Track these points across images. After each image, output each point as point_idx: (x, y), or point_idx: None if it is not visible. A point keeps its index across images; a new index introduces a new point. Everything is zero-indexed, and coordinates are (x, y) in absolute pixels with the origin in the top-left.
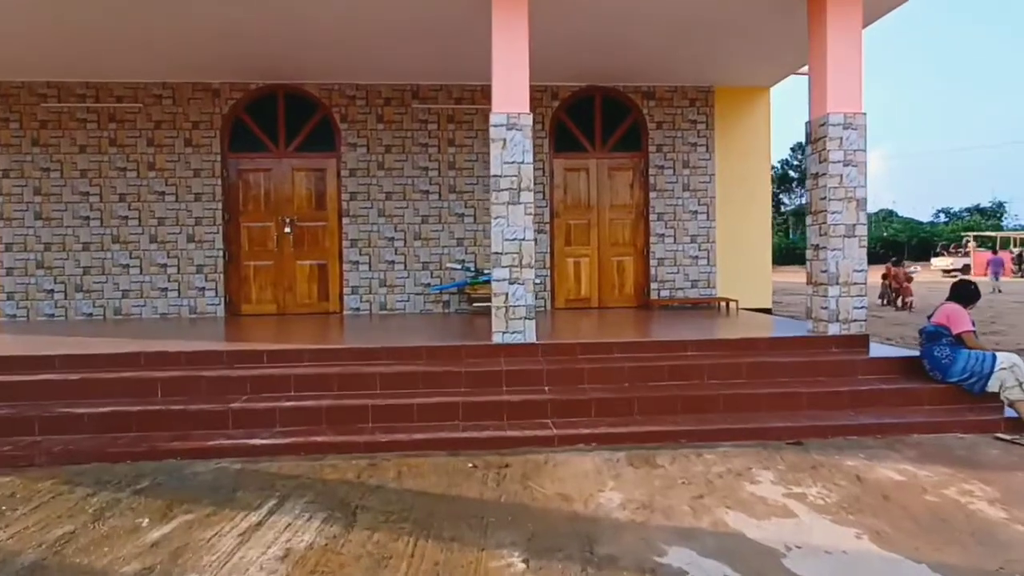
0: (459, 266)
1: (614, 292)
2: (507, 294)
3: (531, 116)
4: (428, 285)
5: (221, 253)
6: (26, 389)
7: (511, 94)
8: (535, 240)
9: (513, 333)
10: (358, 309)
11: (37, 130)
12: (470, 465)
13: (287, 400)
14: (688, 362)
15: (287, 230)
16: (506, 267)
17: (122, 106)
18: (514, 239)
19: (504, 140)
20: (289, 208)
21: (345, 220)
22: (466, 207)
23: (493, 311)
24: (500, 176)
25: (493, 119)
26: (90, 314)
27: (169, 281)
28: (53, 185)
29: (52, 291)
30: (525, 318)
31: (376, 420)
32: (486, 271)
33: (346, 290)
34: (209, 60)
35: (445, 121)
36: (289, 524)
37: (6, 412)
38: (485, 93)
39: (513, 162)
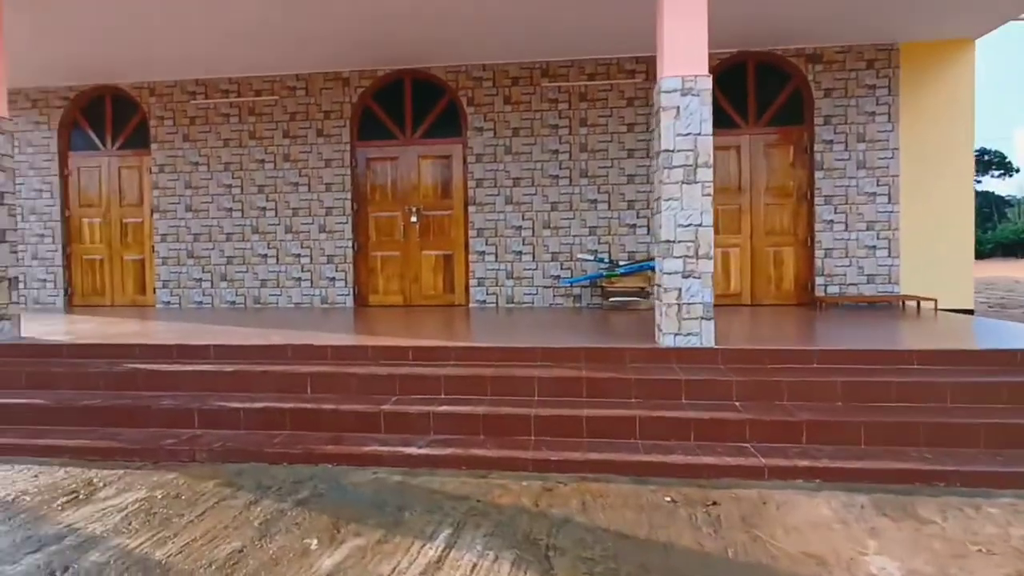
0: (591, 257)
1: (769, 287)
2: (680, 289)
3: (710, 79)
4: (558, 277)
5: (350, 243)
6: (185, 379)
7: (686, 53)
8: (713, 226)
9: (687, 335)
10: (484, 302)
11: (187, 126)
12: (667, 499)
13: (439, 404)
14: (919, 379)
15: (413, 219)
16: (679, 257)
17: (261, 99)
18: (689, 224)
19: (677, 108)
20: (415, 197)
21: (471, 208)
22: (599, 192)
23: (662, 309)
24: (672, 151)
25: (663, 84)
26: (233, 302)
27: (303, 271)
28: (201, 178)
29: (200, 280)
30: (702, 318)
31: (540, 432)
32: (622, 262)
33: (472, 282)
34: (340, 48)
35: (577, 100)
36: (475, 565)
37: (169, 403)
38: (621, 67)
39: (688, 134)
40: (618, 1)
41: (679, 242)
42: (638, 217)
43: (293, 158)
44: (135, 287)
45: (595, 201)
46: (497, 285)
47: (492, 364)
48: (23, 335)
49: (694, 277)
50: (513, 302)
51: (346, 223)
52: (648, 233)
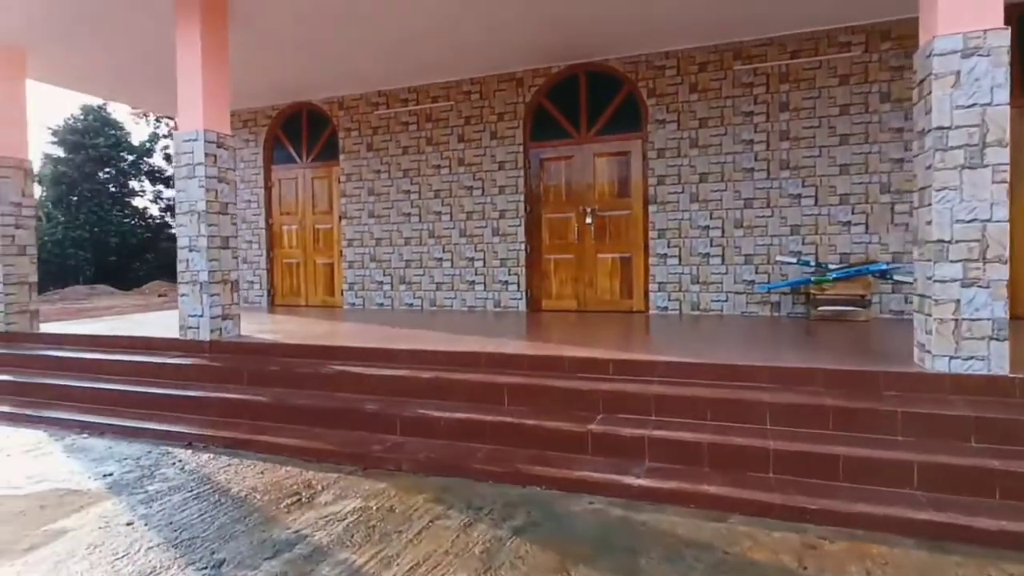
0: (794, 260)
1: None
2: (958, 301)
3: (1006, 32)
4: (751, 282)
5: (523, 246)
6: (385, 384)
7: (972, 1)
8: (1004, 220)
9: (968, 359)
10: (666, 308)
11: (371, 136)
12: None
13: (652, 427)
14: None
15: (588, 220)
16: (957, 262)
17: (437, 106)
18: (972, 220)
19: (956, 74)
20: (591, 197)
21: (652, 208)
22: (803, 186)
23: (929, 325)
24: (948, 128)
25: (936, 45)
26: (411, 304)
27: (476, 274)
28: (382, 185)
29: (382, 283)
30: (991, 338)
31: (780, 470)
32: (832, 265)
33: (652, 287)
34: (514, 48)
35: (776, 81)
36: None
37: (372, 408)
38: (833, 39)
39: (973, 105)
40: None
41: (957, 242)
42: (853, 213)
43: (467, 162)
44: (325, 289)
45: (798, 196)
46: (681, 290)
47: (709, 384)
48: (242, 333)
49: (979, 286)
50: (699, 309)
51: (519, 226)
52: (866, 231)
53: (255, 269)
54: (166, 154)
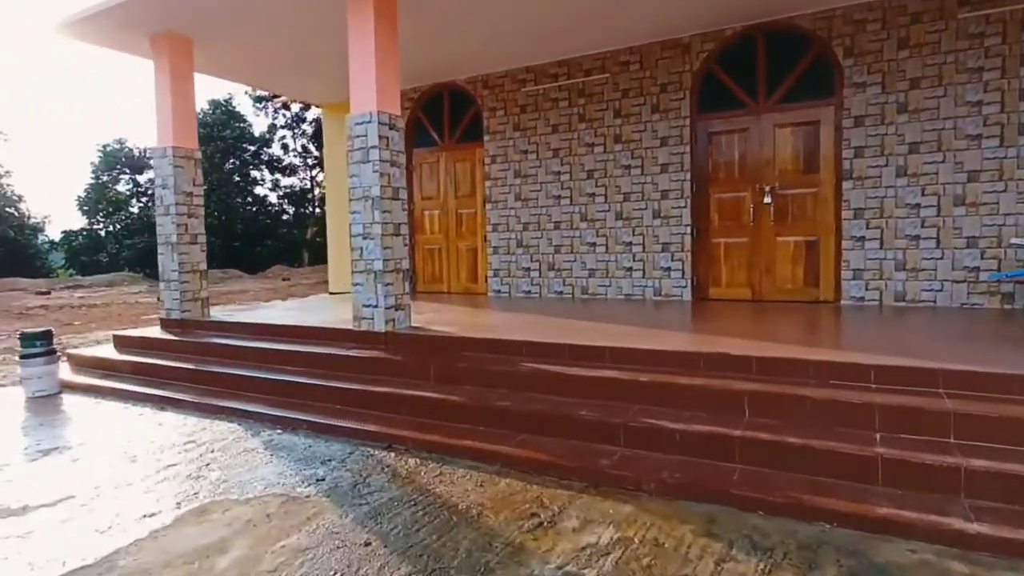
0: None
1: None
2: None
3: None
4: (975, 269)
5: (688, 229)
6: (592, 386)
7: None
8: None
9: None
10: (862, 298)
11: (518, 115)
12: None
13: (962, 454)
14: None
15: (766, 200)
16: None
17: (591, 79)
18: None
19: None
20: (769, 173)
21: (846, 184)
22: None
23: None
24: None
25: None
26: (560, 292)
27: (634, 260)
28: (530, 167)
29: (529, 269)
30: None
31: None
32: None
33: (845, 274)
34: (680, 10)
35: (1017, 29)
36: None
37: (586, 414)
38: None
39: None
40: None
41: None
42: None
43: (625, 139)
44: (468, 275)
45: None
46: (881, 278)
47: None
48: (412, 324)
49: None
50: (905, 299)
51: (684, 207)
52: None
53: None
54: (283, 144)
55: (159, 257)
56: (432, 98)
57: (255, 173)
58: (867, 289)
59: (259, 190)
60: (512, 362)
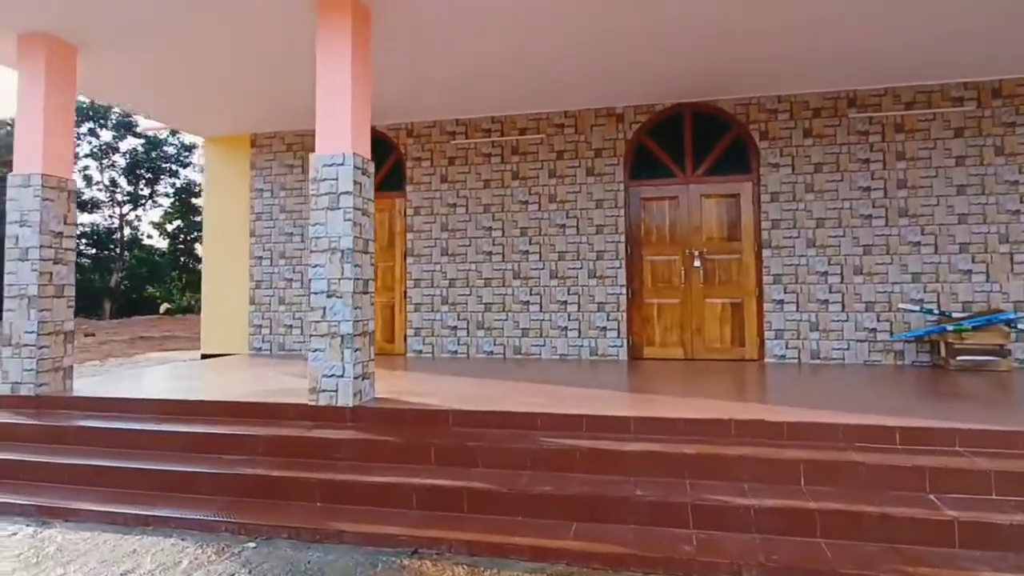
0: (917, 308)
1: None
2: None
3: None
4: (873, 330)
5: (624, 290)
6: (634, 461)
7: None
8: None
9: None
10: (783, 356)
11: (446, 167)
12: None
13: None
14: None
15: (696, 264)
16: None
17: (525, 138)
18: None
19: None
20: (697, 239)
21: (766, 252)
22: (923, 234)
23: None
24: None
25: None
26: (491, 352)
27: (569, 320)
28: (459, 221)
29: (455, 328)
30: None
31: None
32: (955, 314)
33: (768, 334)
34: (614, 85)
35: (892, 131)
36: None
37: (646, 495)
38: (945, 93)
39: None
40: (939, 18)
41: None
42: (973, 262)
43: (560, 199)
44: (383, 334)
45: (918, 244)
46: (799, 338)
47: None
48: (377, 395)
49: None
50: (819, 357)
51: (619, 267)
52: (987, 280)
53: (294, 311)
54: (86, 175)
55: (5, 315)
56: None
57: None
58: (787, 348)
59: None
60: (529, 437)
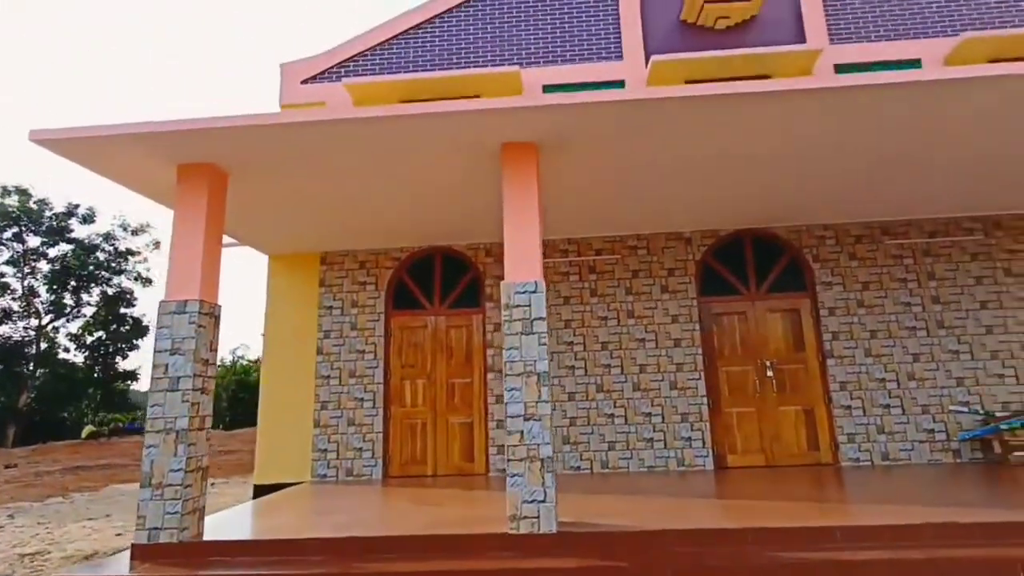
0: (965, 409)
1: None
2: None
3: None
4: (931, 431)
5: (705, 400)
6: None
7: None
8: None
9: None
10: (857, 459)
11: None
12: None
13: None
14: None
15: (768, 373)
16: None
17: (601, 258)
18: None
19: None
20: (766, 350)
21: (830, 362)
22: (959, 343)
23: None
24: None
25: None
26: (578, 467)
27: (655, 431)
28: None
29: None
30: None
31: None
32: (998, 413)
33: (841, 438)
34: (682, 213)
35: (920, 255)
36: None
37: None
38: (959, 224)
39: None
40: (943, 171)
41: None
42: (1003, 367)
43: (637, 314)
44: (463, 454)
45: (956, 352)
46: (869, 441)
47: None
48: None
49: None
50: (889, 459)
51: (698, 379)
52: (1018, 383)
53: (365, 433)
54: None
55: (146, 451)
56: (420, 261)
57: None
58: (860, 451)
59: None
60: (761, 554)
